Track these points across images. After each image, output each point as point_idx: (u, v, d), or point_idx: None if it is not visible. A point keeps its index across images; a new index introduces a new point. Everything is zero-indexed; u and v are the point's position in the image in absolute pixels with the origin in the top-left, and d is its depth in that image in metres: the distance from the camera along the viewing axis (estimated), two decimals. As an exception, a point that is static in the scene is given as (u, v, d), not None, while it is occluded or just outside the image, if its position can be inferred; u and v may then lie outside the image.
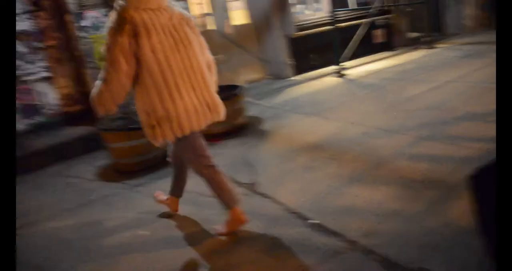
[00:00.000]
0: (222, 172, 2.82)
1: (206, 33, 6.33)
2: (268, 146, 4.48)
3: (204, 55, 2.73)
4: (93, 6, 5.04)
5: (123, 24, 2.38)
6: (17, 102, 5.38)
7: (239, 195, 2.90)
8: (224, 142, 4.65)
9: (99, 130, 4.27)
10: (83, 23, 4.99)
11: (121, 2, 2.47)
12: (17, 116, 5.43)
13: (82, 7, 4.98)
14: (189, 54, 2.55)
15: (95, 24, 5.06)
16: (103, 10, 5.08)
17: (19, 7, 5.28)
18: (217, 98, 2.71)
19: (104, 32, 2.50)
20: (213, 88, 2.73)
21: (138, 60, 2.41)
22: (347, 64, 7.25)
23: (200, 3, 6.44)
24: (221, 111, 2.74)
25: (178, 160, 3.03)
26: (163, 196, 3.28)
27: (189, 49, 2.56)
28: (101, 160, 4.70)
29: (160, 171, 4.13)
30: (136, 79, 2.47)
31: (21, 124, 5.47)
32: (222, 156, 4.24)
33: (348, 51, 7.46)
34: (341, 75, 6.89)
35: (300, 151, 4.14)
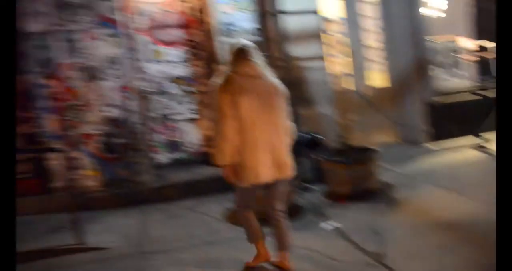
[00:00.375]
0: (252, 214, 3.32)
1: (344, 93, 6.46)
2: (398, 216, 4.30)
3: (285, 121, 3.20)
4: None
5: (227, 84, 3.02)
6: (162, 137, 6.00)
7: (263, 234, 3.38)
8: (350, 203, 4.57)
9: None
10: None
11: (227, 68, 3.13)
12: (162, 150, 6.04)
13: (233, 59, 5.44)
14: (272, 118, 3.08)
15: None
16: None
17: (179, 55, 5.98)
18: (287, 159, 3.17)
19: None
20: (286, 150, 3.18)
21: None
22: (490, 137, 6.73)
23: (340, 63, 6.62)
24: (287, 171, 3.17)
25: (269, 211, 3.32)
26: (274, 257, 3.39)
27: (273, 114, 3.09)
28: (231, 201, 4.94)
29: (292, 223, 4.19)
30: None
31: (164, 157, 6.07)
32: (348, 218, 4.19)
33: (492, 123, 6.95)
34: (483, 149, 6.41)
35: (432, 227, 3.90)
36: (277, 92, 3.16)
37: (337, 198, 4.69)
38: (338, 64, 6.65)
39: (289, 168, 3.17)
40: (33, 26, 4.95)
